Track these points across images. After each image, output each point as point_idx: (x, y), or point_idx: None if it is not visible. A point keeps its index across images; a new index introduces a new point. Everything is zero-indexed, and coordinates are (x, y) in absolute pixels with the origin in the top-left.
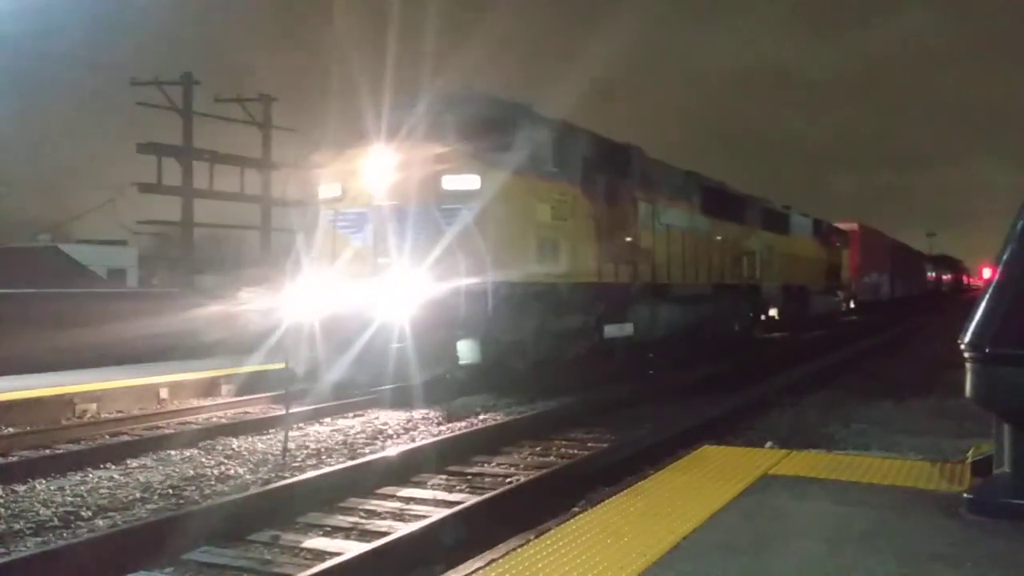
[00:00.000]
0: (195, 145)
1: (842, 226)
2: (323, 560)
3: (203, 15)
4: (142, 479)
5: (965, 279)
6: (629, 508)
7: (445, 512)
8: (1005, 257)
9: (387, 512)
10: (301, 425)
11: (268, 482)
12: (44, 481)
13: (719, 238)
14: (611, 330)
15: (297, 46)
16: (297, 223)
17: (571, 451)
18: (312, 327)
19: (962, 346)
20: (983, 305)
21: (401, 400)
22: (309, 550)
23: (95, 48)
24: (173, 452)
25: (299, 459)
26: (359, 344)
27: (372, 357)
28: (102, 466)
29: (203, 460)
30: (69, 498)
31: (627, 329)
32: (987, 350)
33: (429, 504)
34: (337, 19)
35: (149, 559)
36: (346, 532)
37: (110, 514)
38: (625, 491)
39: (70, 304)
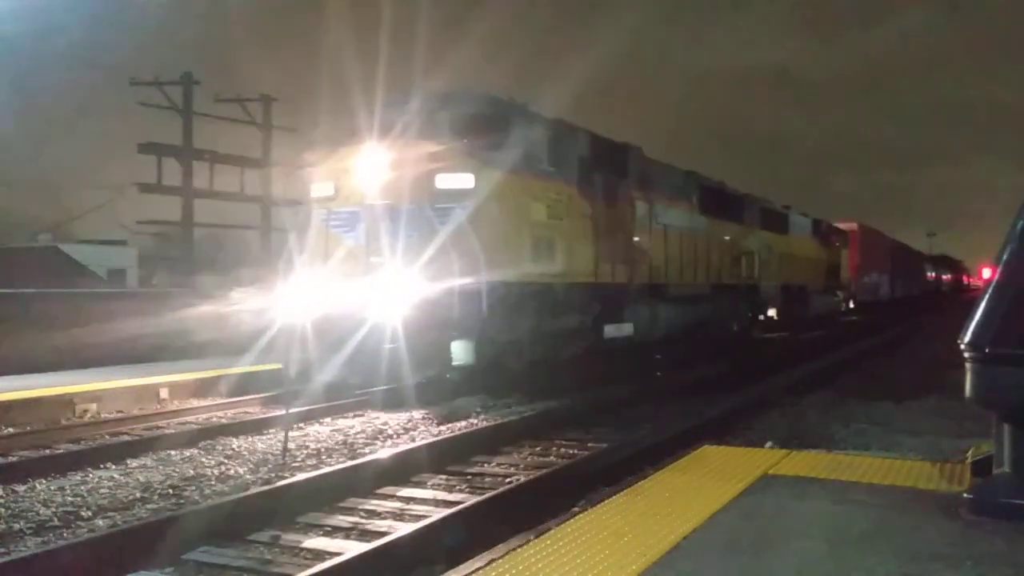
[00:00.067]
0: (195, 145)
1: (842, 226)
2: (323, 560)
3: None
4: (142, 479)
5: (965, 279)
6: (629, 508)
7: (445, 512)
8: (1005, 257)
9: (387, 512)
10: (301, 425)
11: (268, 482)
12: (44, 481)
13: (718, 238)
14: (610, 330)
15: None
16: (289, 222)
17: (571, 451)
18: (304, 327)
19: (962, 346)
20: (983, 305)
21: (401, 400)
22: (309, 550)
23: (95, 48)
24: (173, 452)
25: (299, 459)
26: (351, 344)
27: (365, 358)
28: (102, 466)
29: (203, 460)
30: (69, 498)
31: (627, 329)
32: (987, 350)
33: (429, 504)
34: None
35: (149, 559)
36: (346, 532)
37: (110, 514)
38: (625, 491)
39: (70, 304)
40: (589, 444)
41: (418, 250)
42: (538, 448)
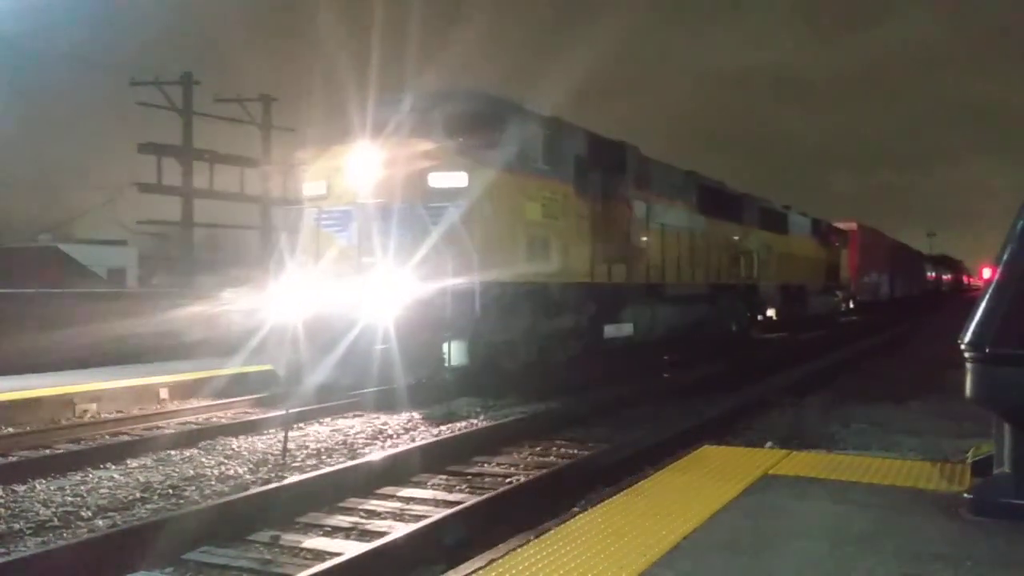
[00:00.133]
0: (195, 145)
1: (841, 226)
2: (323, 560)
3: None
4: (142, 479)
5: (965, 279)
6: (629, 508)
7: (445, 512)
8: (1005, 257)
9: (387, 512)
10: (301, 425)
11: (268, 482)
12: (44, 481)
13: (717, 238)
14: (610, 330)
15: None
16: (281, 221)
17: (571, 451)
18: (295, 328)
19: (962, 346)
20: (983, 305)
21: (401, 401)
22: (309, 550)
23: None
24: (173, 452)
25: (299, 459)
26: (343, 345)
27: (356, 358)
28: (102, 466)
29: (203, 460)
30: (69, 498)
31: (626, 329)
32: (987, 350)
33: (429, 504)
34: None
35: (149, 559)
36: (346, 532)
37: (110, 514)
38: (625, 491)
39: (70, 304)
40: (589, 444)
41: (411, 250)
42: (538, 448)
